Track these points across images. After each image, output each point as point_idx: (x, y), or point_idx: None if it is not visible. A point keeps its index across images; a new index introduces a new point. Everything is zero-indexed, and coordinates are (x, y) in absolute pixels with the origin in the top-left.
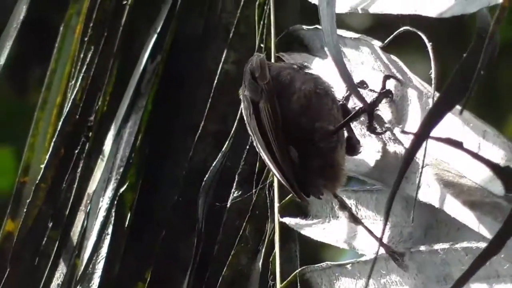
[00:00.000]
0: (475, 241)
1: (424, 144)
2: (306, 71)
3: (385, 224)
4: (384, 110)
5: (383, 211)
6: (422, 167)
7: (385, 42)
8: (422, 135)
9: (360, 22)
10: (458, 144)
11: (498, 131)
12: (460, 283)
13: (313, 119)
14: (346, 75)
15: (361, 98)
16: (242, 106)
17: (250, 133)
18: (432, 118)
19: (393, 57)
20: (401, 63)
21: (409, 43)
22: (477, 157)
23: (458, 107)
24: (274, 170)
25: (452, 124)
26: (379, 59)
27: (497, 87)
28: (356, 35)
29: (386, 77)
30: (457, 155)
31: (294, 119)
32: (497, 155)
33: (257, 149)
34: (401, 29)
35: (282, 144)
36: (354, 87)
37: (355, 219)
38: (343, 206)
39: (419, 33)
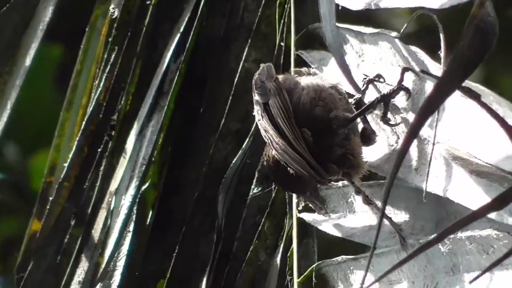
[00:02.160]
0: (478, 229)
1: (434, 125)
2: (313, 75)
3: (383, 210)
4: (401, 103)
5: (396, 203)
6: (433, 144)
7: (402, 30)
8: (426, 111)
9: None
10: (475, 96)
11: None
12: (453, 229)
13: (327, 109)
14: (341, 61)
15: (354, 84)
16: (254, 111)
17: (263, 133)
18: (434, 96)
19: (412, 48)
20: (421, 53)
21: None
22: (494, 114)
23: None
24: (288, 156)
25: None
26: (398, 53)
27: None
28: (375, 30)
29: (404, 70)
30: (467, 137)
31: (307, 112)
32: None
33: (270, 147)
34: (414, 13)
35: (294, 126)
36: (348, 74)
37: (368, 202)
38: (358, 191)
39: (431, 14)
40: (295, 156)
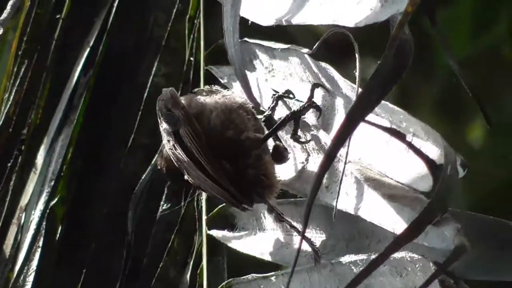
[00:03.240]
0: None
1: (347, 144)
2: (216, 93)
3: (304, 231)
4: (311, 120)
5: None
6: (345, 163)
7: (314, 48)
8: (342, 135)
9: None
10: (400, 135)
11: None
12: (370, 268)
13: (237, 131)
14: (242, 76)
15: (253, 101)
16: (163, 142)
17: (176, 164)
18: (350, 119)
19: (323, 64)
20: (331, 70)
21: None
22: (416, 151)
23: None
24: (210, 188)
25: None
26: (309, 69)
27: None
28: (285, 46)
29: (315, 86)
30: (379, 156)
31: (218, 136)
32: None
33: (189, 178)
34: (329, 31)
35: (211, 158)
36: (248, 90)
37: (280, 220)
38: (271, 209)
39: (347, 32)
40: (218, 189)
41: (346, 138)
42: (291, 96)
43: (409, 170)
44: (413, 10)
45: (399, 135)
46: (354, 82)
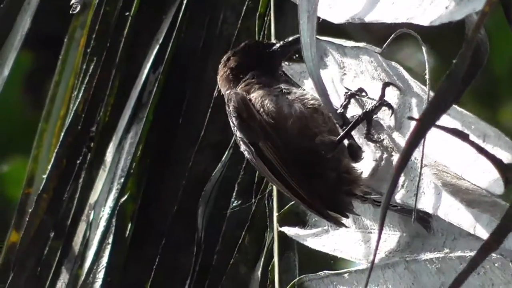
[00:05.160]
0: (469, 250)
1: (421, 148)
2: (286, 92)
3: (380, 230)
4: (385, 118)
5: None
6: (421, 167)
7: (384, 46)
8: (417, 134)
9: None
10: (464, 136)
11: (499, 131)
12: (458, 282)
13: (313, 135)
14: (321, 89)
15: (334, 112)
16: (242, 148)
17: (260, 171)
18: (426, 119)
19: (394, 63)
20: (401, 69)
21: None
22: (482, 151)
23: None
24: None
25: (452, 125)
26: (380, 67)
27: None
28: (356, 44)
29: (386, 84)
30: (455, 158)
31: (296, 143)
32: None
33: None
34: (398, 31)
35: (294, 172)
36: (329, 102)
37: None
38: (364, 200)
39: (415, 34)
40: (311, 210)
41: (421, 139)
42: (363, 94)
43: (484, 174)
44: (491, 10)
45: (467, 138)
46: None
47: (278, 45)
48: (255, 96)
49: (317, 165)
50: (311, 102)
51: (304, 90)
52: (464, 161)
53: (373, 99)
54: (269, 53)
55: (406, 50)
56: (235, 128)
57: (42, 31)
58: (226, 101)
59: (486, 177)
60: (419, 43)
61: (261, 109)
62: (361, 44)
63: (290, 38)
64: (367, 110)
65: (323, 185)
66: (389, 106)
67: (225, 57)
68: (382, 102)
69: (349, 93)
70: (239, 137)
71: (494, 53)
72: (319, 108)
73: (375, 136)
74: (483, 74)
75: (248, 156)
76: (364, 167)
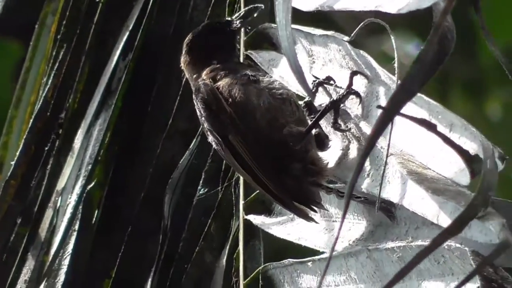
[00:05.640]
0: (429, 239)
1: (388, 136)
2: (253, 79)
3: (342, 220)
4: (353, 107)
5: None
6: (387, 156)
7: (352, 35)
8: (383, 122)
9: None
10: (431, 126)
11: (465, 121)
12: (414, 262)
13: (281, 126)
14: (297, 69)
15: (310, 92)
16: (209, 139)
17: (228, 162)
18: (391, 106)
19: (362, 52)
20: (369, 58)
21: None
22: (448, 141)
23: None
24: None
25: (419, 115)
26: (348, 55)
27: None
28: (325, 32)
29: (354, 73)
30: (421, 148)
31: (265, 136)
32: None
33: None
34: (366, 20)
35: (270, 174)
36: (304, 82)
37: (341, 195)
38: (329, 191)
39: (383, 23)
40: (280, 203)
41: (386, 126)
42: (331, 82)
43: (450, 164)
44: None
45: (434, 129)
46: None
47: (237, 21)
48: (222, 84)
49: (285, 157)
50: (279, 92)
51: (271, 77)
52: (430, 151)
53: (341, 87)
54: (230, 31)
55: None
56: (203, 119)
57: (27, 20)
58: (193, 89)
59: (451, 168)
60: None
61: (230, 99)
62: (330, 32)
63: (243, 11)
64: (335, 99)
65: (290, 177)
66: (357, 95)
67: (186, 41)
68: (349, 91)
69: (317, 81)
70: (207, 128)
71: (482, 44)
72: (287, 98)
73: (343, 125)
74: (470, 65)
75: (216, 147)
76: (331, 156)
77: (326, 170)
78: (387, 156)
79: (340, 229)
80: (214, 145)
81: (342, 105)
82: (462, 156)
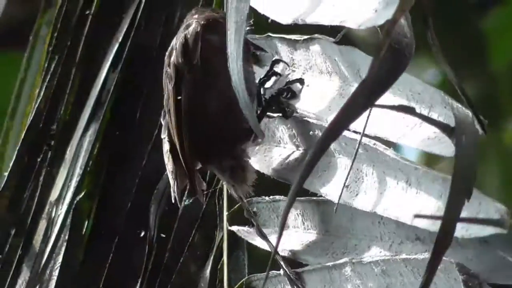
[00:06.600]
0: (413, 253)
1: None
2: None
3: (280, 233)
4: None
5: (328, 222)
6: (354, 158)
7: (338, 36)
8: (326, 140)
9: None
10: (410, 110)
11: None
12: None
13: (240, 119)
14: (246, 105)
15: (258, 130)
16: (165, 69)
17: (165, 100)
18: (335, 125)
19: (349, 47)
20: (356, 52)
21: None
22: (428, 120)
23: None
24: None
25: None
26: (329, 58)
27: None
28: (307, 36)
29: (275, 61)
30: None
31: (217, 115)
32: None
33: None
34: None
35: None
36: (253, 118)
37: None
38: (248, 213)
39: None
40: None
41: (333, 140)
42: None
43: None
44: (400, 18)
45: (413, 111)
46: None
47: None
48: (214, 40)
49: (220, 145)
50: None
51: None
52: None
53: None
54: None
55: None
56: (175, 49)
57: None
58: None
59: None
60: None
61: (209, 57)
62: (315, 36)
63: None
64: (272, 95)
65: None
66: (276, 74)
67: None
68: (270, 74)
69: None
70: (172, 61)
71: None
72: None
73: (288, 112)
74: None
75: (164, 78)
76: (278, 157)
77: (249, 184)
78: (353, 161)
79: (279, 237)
80: (164, 77)
81: (282, 96)
82: (444, 130)
